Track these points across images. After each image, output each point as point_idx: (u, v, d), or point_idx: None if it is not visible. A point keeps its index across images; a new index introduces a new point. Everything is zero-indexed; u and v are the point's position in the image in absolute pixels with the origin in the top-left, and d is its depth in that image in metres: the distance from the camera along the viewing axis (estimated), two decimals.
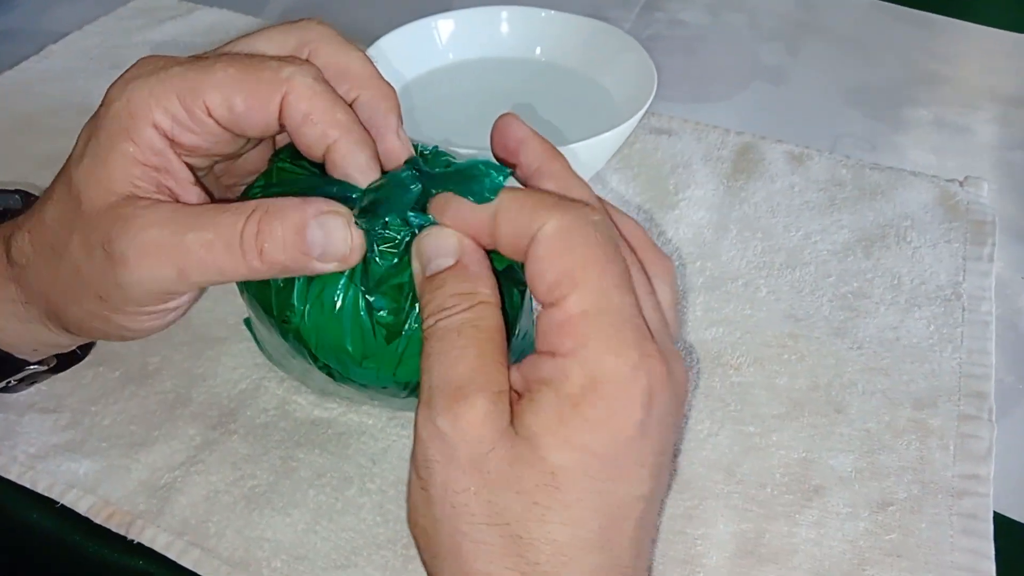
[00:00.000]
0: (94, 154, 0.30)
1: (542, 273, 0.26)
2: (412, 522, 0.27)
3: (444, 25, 0.55)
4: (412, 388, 0.33)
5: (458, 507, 0.25)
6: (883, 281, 0.48)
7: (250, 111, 0.29)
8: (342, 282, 0.30)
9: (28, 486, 0.39)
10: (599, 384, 0.25)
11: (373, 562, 0.36)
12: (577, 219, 0.26)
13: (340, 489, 0.39)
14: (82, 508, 0.38)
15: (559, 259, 0.26)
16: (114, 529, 0.37)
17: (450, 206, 0.28)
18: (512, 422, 0.26)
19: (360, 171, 0.30)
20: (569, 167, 0.30)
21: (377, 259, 0.30)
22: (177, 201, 0.30)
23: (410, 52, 0.53)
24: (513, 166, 0.30)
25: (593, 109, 0.53)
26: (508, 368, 0.26)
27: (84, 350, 0.43)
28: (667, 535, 0.37)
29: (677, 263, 0.49)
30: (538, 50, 0.56)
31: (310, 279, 0.30)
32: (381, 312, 0.30)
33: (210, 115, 0.29)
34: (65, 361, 0.42)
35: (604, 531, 0.26)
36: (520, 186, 0.29)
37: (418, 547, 0.27)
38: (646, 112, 0.48)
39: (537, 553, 0.25)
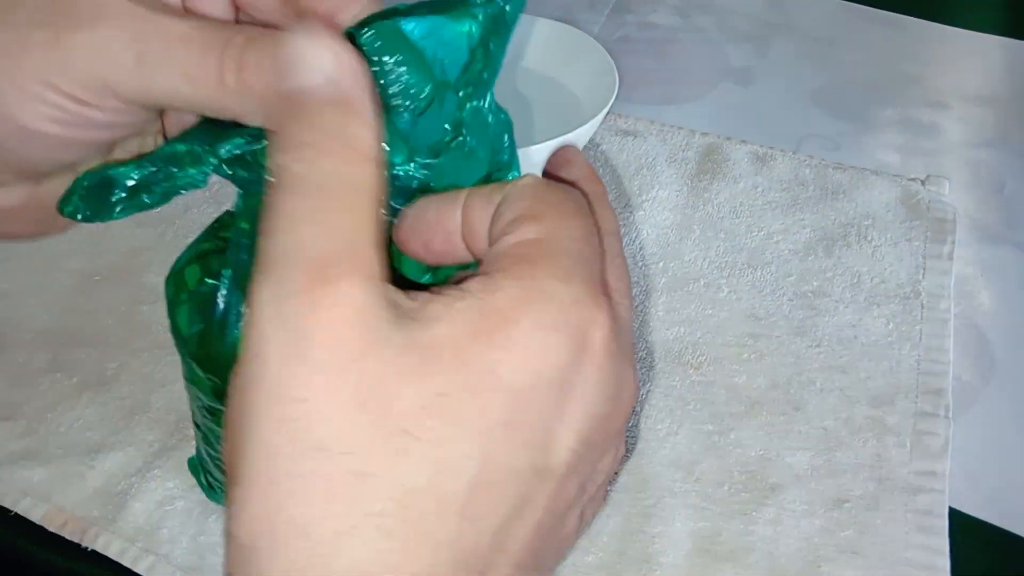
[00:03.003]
0: None
1: (502, 214, 0.21)
2: (228, 419, 0.20)
3: None
4: None
5: (288, 422, 0.18)
6: (843, 280, 0.48)
7: None
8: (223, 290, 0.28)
9: None
10: (534, 301, 0.20)
11: None
12: (557, 185, 0.22)
13: None
14: (36, 516, 0.38)
15: (527, 200, 0.21)
16: (68, 537, 0.37)
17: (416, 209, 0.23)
18: (401, 327, 0.19)
19: None
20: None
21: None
22: None
23: None
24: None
25: (558, 111, 0.53)
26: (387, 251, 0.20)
27: None
28: (624, 534, 0.37)
29: (640, 264, 0.49)
30: None
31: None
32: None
33: None
34: None
35: (477, 491, 0.19)
36: None
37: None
38: (609, 113, 0.48)
39: (379, 499, 0.18)
